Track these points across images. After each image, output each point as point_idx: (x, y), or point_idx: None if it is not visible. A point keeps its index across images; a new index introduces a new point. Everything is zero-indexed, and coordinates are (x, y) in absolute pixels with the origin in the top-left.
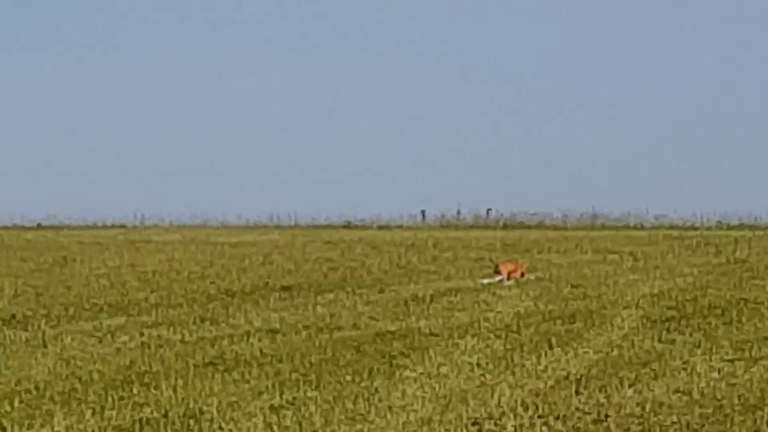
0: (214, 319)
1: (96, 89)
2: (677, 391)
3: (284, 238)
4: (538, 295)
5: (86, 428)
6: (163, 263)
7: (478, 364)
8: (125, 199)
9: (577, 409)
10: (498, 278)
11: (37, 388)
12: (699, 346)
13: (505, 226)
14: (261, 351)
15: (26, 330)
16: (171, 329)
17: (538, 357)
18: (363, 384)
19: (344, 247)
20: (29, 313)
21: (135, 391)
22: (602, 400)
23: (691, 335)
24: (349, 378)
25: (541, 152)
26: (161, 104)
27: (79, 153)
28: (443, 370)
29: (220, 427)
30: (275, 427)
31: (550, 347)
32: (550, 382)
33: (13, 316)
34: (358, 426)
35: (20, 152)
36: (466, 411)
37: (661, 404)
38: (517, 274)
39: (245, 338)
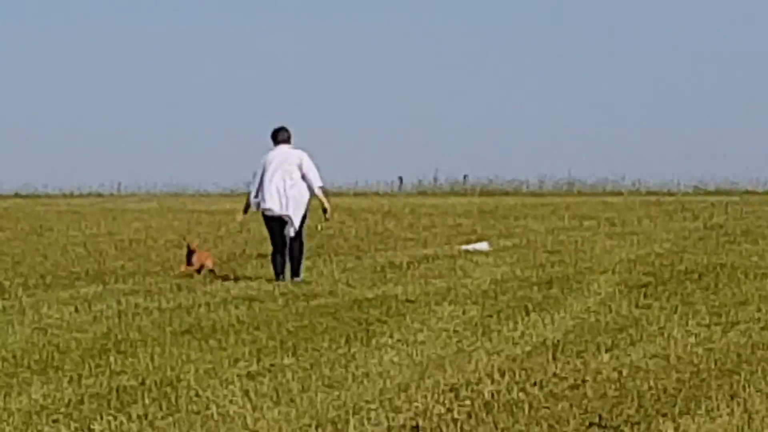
0: (191, 287)
1: (73, 57)
2: (654, 356)
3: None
4: (515, 261)
5: (63, 396)
6: (140, 231)
7: (455, 331)
8: (102, 168)
9: (554, 374)
10: (480, 245)
11: (14, 356)
12: (676, 312)
13: (482, 193)
14: (238, 318)
15: (3, 298)
16: (148, 297)
17: (515, 323)
18: (340, 351)
19: (321, 214)
20: (6, 281)
21: (112, 359)
22: (579, 365)
23: (667, 300)
24: (325, 345)
25: (518, 118)
26: (138, 72)
27: (57, 122)
28: (420, 336)
29: (197, 395)
30: (252, 394)
31: (527, 313)
32: (527, 348)
33: None
34: (335, 392)
35: None
36: (443, 377)
37: (638, 369)
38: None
39: (222, 306)
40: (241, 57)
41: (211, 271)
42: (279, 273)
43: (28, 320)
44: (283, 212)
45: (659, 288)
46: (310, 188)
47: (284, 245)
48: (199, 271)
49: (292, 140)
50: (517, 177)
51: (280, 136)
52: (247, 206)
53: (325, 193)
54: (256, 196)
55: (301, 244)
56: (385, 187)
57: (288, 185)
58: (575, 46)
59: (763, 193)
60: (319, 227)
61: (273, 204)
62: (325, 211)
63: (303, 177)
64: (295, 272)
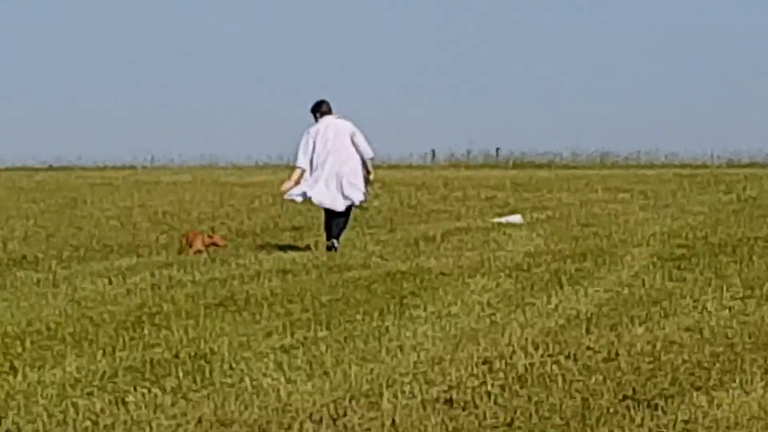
0: (225, 259)
1: (106, 30)
2: (688, 329)
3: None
4: (549, 234)
5: (97, 369)
6: (174, 204)
7: (489, 304)
8: (135, 141)
9: (588, 347)
10: (513, 217)
11: (48, 328)
12: (710, 285)
13: (515, 165)
14: (271, 291)
15: (37, 271)
16: (181, 270)
17: (549, 296)
18: (373, 323)
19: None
20: (40, 254)
21: (146, 331)
22: (613, 338)
23: (701, 273)
24: (359, 318)
25: (552, 91)
26: (171, 44)
27: (90, 94)
28: (453, 309)
29: (231, 367)
30: (286, 367)
31: (561, 286)
32: (561, 321)
33: (24, 258)
34: (369, 365)
35: (31, 94)
36: (477, 350)
37: (671, 342)
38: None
39: (256, 278)
40: (274, 27)
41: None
42: (332, 236)
43: (62, 293)
44: (337, 207)
45: (693, 261)
46: (363, 157)
47: (334, 214)
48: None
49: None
50: (551, 149)
51: (324, 107)
52: (297, 181)
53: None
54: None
55: (348, 216)
56: (419, 160)
57: (342, 168)
58: (609, 18)
59: None
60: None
61: (324, 198)
62: (370, 182)
63: (355, 147)
64: (336, 235)
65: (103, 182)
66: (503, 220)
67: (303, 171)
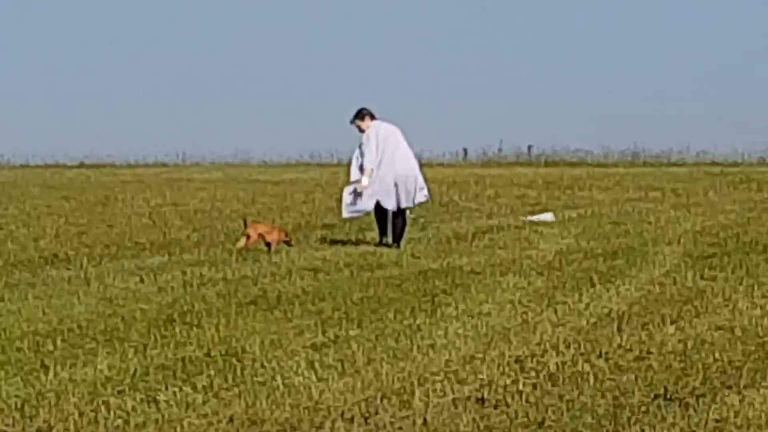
0: (256, 257)
1: (136, 26)
2: (719, 328)
3: (326, 176)
4: (580, 232)
5: (129, 367)
6: (205, 201)
7: (520, 302)
8: (167, 138)
9: (619, 346)
10: (545, 215)
11: (79, 326)
12: (741, 283)
13: (546, 163)
14: (303, 289)
15: (69, 269)
16: (213, 268)
17: (580, 294)
18: (405, 322)
19: None
20: (72, 252)
21: (177, 329)
22: (644, 337)
23: (732, 272)
24: (391, 316)
25: (583, 88)
26: (202, 42)
27: (121, 91)
28: (485, 308)
29: (263, 366)
30: (317, 366)
31: (592, 284)
32: (592, 320)
33: (56, 255)
34: (401, 364)
35: (62, 90)
36: (509, 349)
37: (702, 341)
38: (274, 238)
39: (287, 277)
40: (304, 24)
41: (281, 242)
42: (384, 233)
43: (93, 291)
44: (401, 206)
45: (724, 259)
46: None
47: (386, 211)
48: (268, 245)
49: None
50: (582, 147)
51: (370, 112)
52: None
53: None
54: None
55: (404, 216)
56: (450, 158)
57: (404, 167)
58: (638, 14)
59: None
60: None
61: (390, 203)
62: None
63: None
64: (397, 242)
65: (135, 180)
66: (535, 218)
67: (372, 170)
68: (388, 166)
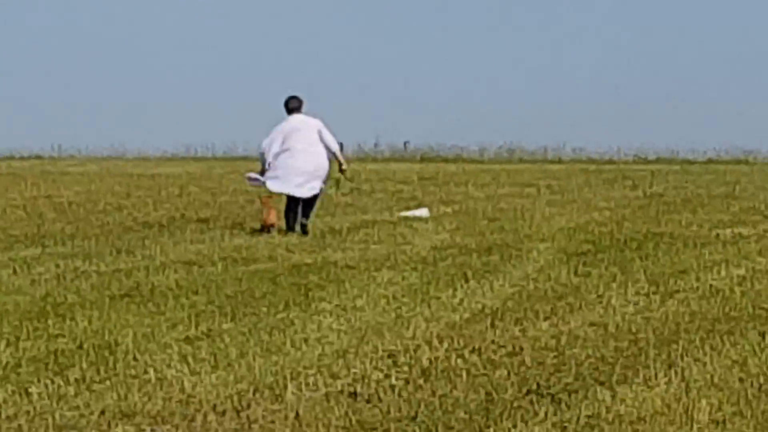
0: (130, 250)
1: (7, 14)
2: (592, 324)
3: (201, 170)
4: (455, 228)
5: (1, 359)
6: (80, 194)
7: (394, 297)
8: (42, 130)
9: (493, 341)
10: (419, 211)
11: None
12: (614, 280)
13: (422, 159)
14: (177, 283)
15: None
16: (87, 261)
17: (454, 290)
18: (279, 316)
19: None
20: None
21: (50, 322)
22: (517, 333)
23: (606, 269)
24: (264, 310)
25: (459, 85)
26: (77, 35)
27: None
28: (359, 302)
29: (135, 358)
30: (190, 359)
31: (466, 280)
32: (466, 315)
33: None
34: (274, 358)
35: None
36: (382, 343)
37: (576, 337)
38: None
39: (161, 270)
40: (183, 16)
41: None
42: (291, 227)
43: None
44: (304, 195)
45: (598, 256)
46: (330, 151)
47: (297, 202)
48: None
49: (303, 108)
50: (458, 144)
51: (291, 104)
52: (263, 171)
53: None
54: (268, 168)
55: (316, 198)
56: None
57: (310, 160)
58: (517, 14)
59: (703, 162)
60: (341, 185)
61: (291, 189)
62: (342, 171)
63: (323, 143)
64: (306, 215)
65: (9, 172)
66: (410, 213)
67: (269, 162)
68: (300, 161)
